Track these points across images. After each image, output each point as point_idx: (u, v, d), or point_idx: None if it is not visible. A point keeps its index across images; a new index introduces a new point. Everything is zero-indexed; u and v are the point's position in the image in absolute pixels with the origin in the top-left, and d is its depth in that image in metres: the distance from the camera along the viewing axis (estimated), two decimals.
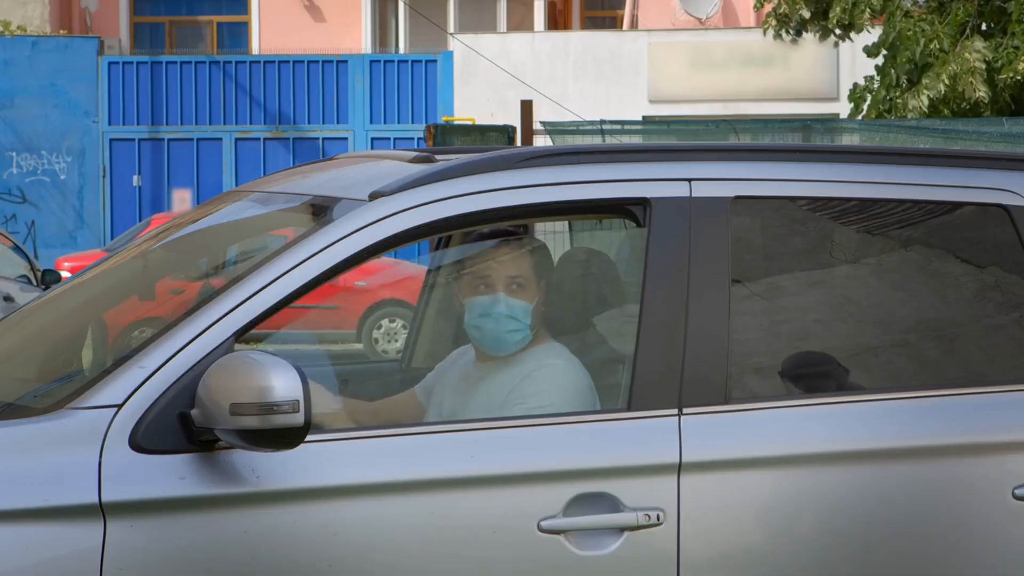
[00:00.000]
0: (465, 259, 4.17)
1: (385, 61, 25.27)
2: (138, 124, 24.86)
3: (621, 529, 3.71)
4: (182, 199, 24.63)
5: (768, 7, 17.03)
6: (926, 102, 14.80)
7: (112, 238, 24.05)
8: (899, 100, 15.33)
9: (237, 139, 24.85)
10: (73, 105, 24.72)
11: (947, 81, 14.57)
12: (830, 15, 16.01)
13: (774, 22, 16.59)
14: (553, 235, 10.46)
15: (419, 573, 3.61)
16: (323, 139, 24.80)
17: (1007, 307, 4.15)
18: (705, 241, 3.90)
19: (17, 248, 15.65)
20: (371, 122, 24.93)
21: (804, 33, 16.63)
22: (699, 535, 3.74)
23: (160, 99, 24.87)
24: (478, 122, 21.66)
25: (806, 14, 16.27)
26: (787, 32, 16.62)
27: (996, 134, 13.05)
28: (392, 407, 4.47)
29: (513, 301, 4.07)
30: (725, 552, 3.78)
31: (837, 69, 24.05)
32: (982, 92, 14.58)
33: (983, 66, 14.65)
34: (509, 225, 4.25)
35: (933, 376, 4.04)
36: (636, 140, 15.81)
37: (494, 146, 5.33)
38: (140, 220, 23.50)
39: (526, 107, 14.78)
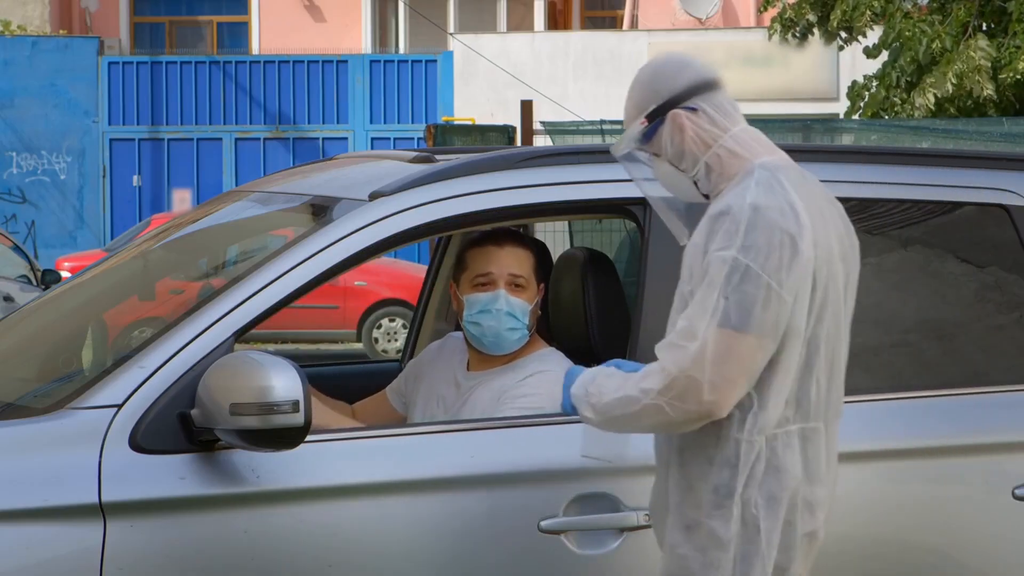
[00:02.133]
0: (466, 257, 4.17)
1: (385, 61, 25.26)
2: (138, 124, 24.85)
3: (621, 529, 3.71)
4: (182, 199, 24.62)
5: (773, 11, 17.02)
6: (932, 100, 14.80)
7: (112, 238, 24.04)
8: (901, 100, 15.33)
9: (237, 139, 24.84)
10: (73, 105, 24.71)
11: (954, 80, 14.57)
12: (831, 18, 16.02)
13: (779, 26, 16.59)
14: (553, 235, 10.46)
15: (419, 573, 3.61)
16: (323, 139, 24.79)
17: (1007, 307, 4.15)
18: None
19: (17, 248, 15.65)
20: (371, 122, 24.93)
21: (809, 36, 16.63)
22: None
23: (160, 99, 24.86)
24: (478, 122, 21.65)
25: (813, 18, 16.28)
26: (793, 36, 16.62)
27: (997, 134, 13.05)
28: (364, 410, 4.44)
29: (513, 299, 4.08)
30: None
31: (837, 69, 24.05)
32: (989, 90, 14.58)
33: (988, 64, 14.65)
34: (511, 225, 4.25)
35: (933, 376, 4.04)
36: None
37: (494, 146, 5.33)
38: (140, 220, 23.48)
39: (526, 107, 14.76)
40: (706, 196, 3.39)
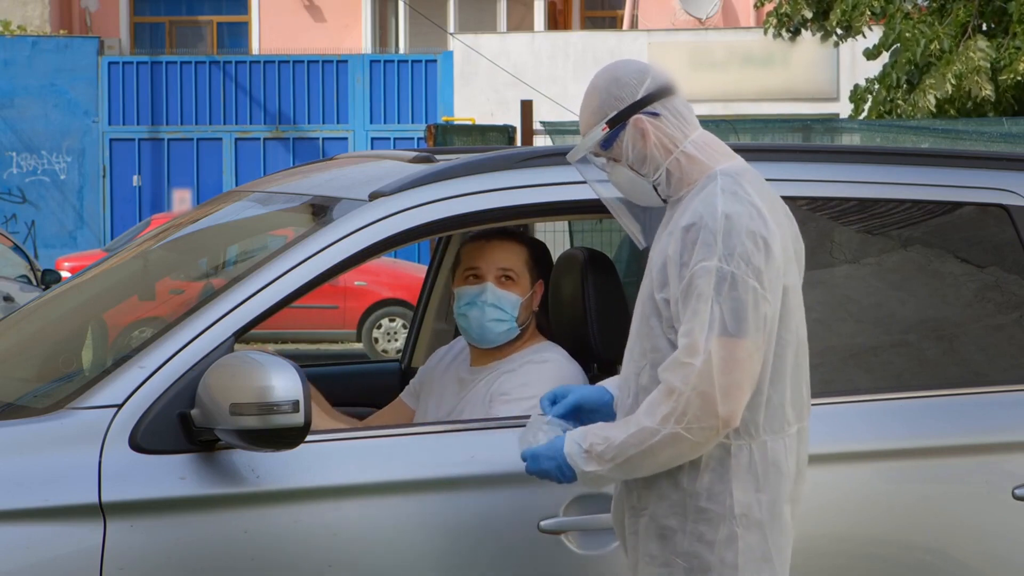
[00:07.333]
0: (460, 253, 4.22)
1: (385, 61, 25.26)
2: (138, 124, 24.85)
3: None
4: (182, 199, 24.63)
5: (769, 6, 17.03)
6: (932, 102, 14.80)
7: (112, 238, 24.05)
8: (901, 101, 15.33)
9: (237, 139, 24.84)
10: (73, 105, 24.71)
11: (953, 81, 14.57)
12: (830, 16, 16.02)
13: (775, 21, 16.61)
14: (553, 235, 10.46)
15: (419, 573, 3.61)
16: (323, 139, 24.80)
17: (1007, 307, 4.15)
18: None
19: (17, 248, 15.65)
20: (371, 122, 24.93)
21: (804, 32, 16.64)
22: None
23: (160, 99, 24.86)
24: (478, 122, 21.65)
25: (808, 14, 16.29)
26: (787, 31, 16.64)
27: (996, 134, 13.03)
28: (382, 419, 4.46)
29: (501, 292, 4.10)
30: None
31: (837, 69, 24.05)
32: (988, 91, 14.58)
33: (987, 65, 14.65)
34: (511, 225, 4.26)
35: (933, 376, 4.04)
36: None
37: (494, 146, 5.33)
38: (140, 220, 23.49)
39: (526, 107, 14.75)
40: (664, 200, 3.39)
